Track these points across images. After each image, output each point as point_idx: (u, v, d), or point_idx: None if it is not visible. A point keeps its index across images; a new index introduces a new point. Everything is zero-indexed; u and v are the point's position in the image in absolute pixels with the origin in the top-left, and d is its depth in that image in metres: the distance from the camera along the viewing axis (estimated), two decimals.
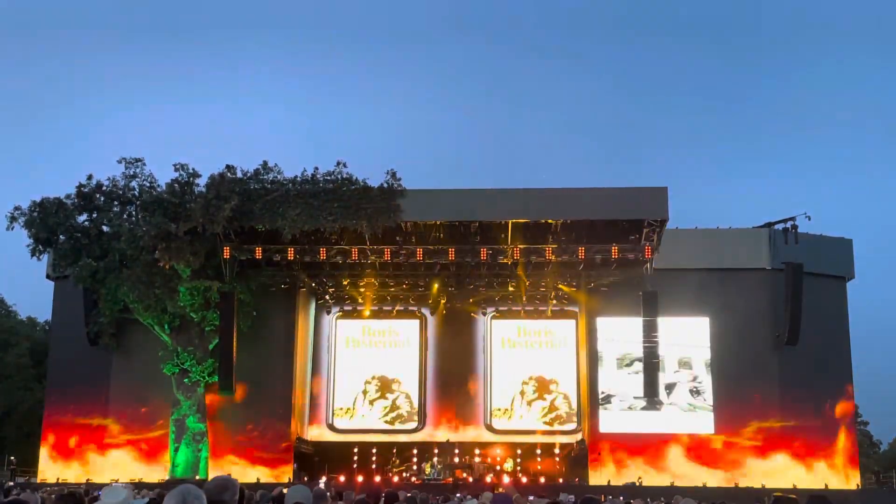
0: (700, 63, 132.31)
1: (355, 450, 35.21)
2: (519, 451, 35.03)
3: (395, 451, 34.88)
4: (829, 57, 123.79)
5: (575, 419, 35.79)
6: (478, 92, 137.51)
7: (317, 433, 36.13)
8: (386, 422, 36.31)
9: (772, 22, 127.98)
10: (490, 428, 36.10)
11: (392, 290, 35.44)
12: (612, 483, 30.56)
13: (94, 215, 31.45)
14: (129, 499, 5.99)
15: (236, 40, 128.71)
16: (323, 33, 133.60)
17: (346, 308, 37.16)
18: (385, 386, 36.82)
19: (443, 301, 35.71)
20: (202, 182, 30.29)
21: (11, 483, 29.92)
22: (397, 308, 36.97)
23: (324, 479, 30.95)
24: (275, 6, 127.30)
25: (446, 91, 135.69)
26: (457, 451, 34.62)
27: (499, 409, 36.41)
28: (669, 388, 32.70)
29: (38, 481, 32.95)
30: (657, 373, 31.07)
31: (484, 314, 37.00)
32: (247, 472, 31.55)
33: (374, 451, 35.13)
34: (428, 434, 35.91)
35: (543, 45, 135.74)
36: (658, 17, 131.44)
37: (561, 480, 32.51)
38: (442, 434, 35.70)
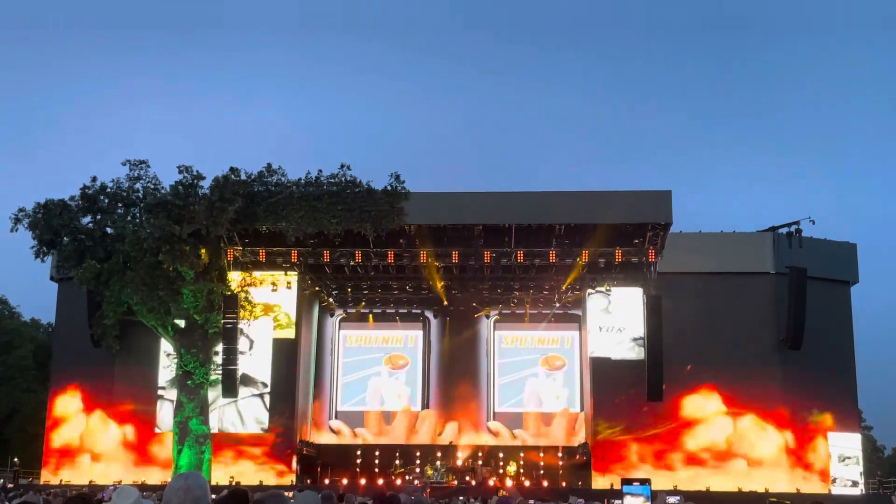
0: (703, 65, 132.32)
1: (358, 452, 35.23)
2: (522, 455, 35.00)
3: (397, 453, 34.87)
4: (835, 60, 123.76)
5: (577, 423, 35.76)
6: (479, 94, 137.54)
7: (320, 436, 36.14)
8: (388, 424, 36.33)
9: (776, 24, 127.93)
10: (493, 431, 36.09)
11: (395, 292, 35.45)
12: (615, 487, 30.51)
13: (98, 217, 31.45)
14: (140, 500, 5.93)
15: (241, 42, 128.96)
16: (326, 34, 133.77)
17: (349, 311, 37.20)
18: (388, 388, 36.85)
19: (446, 305, 35.70)
20: (206, 184, 30.32)
21: (11, 485, 29.99)
22: (400, 311, 36.99)
23: (327, 481, 30.98)
24: (280, 7, 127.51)
25: (447, 93, 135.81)
26: (459, 454, 34.62)
27: (501, 413, 36.40)
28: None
29: (42, 483, 32.99)
30: (661, 376, 30.99)
31: (487, 317, 37.01)
32: (250, 475, 31.54)
33: (376, 453, 35.12)
34: (430, 437, 35.90)
35: (545, 46, 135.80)
36: (661, 18, 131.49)
37: (564, 484, 32.47)
38: (445, 437, 35.69)
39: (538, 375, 36.69)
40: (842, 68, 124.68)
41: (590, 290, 32.82)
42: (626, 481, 14.43)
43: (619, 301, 32.16)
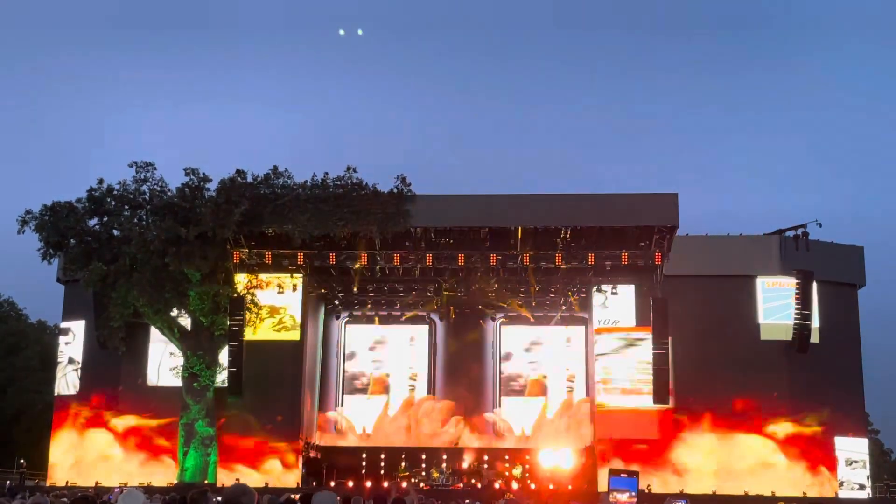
0: (709, 66, 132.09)
1: (363, 455, 35.21)
2: (528, 458, 34.93)
3: (403, 456, 34.83)
4: (841, 61, 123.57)
5: (582, 425, 35.68)
6: (482, 94, 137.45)
7: (325, 438, 36.12)
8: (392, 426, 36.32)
9: (781, 25, 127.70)
10: (498, 434, 36.05)
11: (401, 295, 35.46)
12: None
13: (105, 219, 31.53)
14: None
15: (244, 43, 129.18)
16: (328, 34, 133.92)
17: (355, 313, 37.21)
18: (393, 391, 36.85)
19: (452, 307, 35.69)
20: (213, 187, 30.43)
21: (14, 484, 30.06)
22: (406, 313, 36.97)
23: (332, 483, 30.95)
24: (285, 8, 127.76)
25: (450, 94, 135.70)
26: (465, 457, 34.57)
27: (507, 415, 36.35)
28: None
29: (48, 484, 33.05)
30: (667, 379, 30.94)
31: (493, 320, 36.98)
32: (255, 477, 31.55)
33: (382, 456, 35.09)
34: (436, 440, 35.86)
35: (549, 47, 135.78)
36: (665, 17, 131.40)
37: (570, 487, 32.39)
38: (450, 439, 35.65)
39: (544, 378, 36.70)
40: (851, 70, 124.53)
41: (595, 292, 32.85)
42: (614, 472, 14.50)
43: (615, 296, 32.69)
